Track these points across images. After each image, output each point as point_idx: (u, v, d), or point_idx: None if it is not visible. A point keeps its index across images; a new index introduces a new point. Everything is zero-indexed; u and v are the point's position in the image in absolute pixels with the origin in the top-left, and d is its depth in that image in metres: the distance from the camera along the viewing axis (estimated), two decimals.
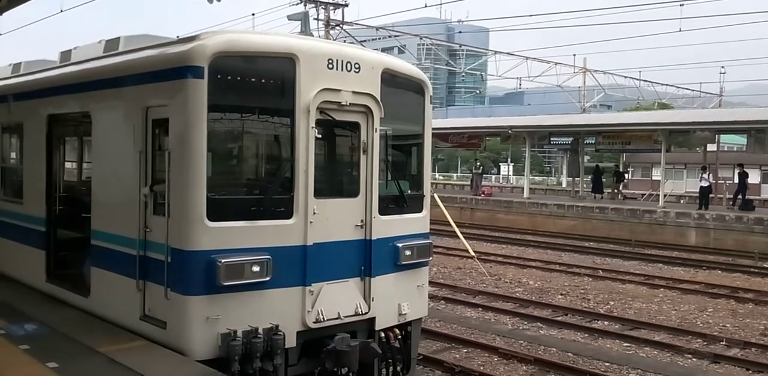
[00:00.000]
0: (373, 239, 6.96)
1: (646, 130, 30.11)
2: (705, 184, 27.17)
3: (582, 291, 16.02)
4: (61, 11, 24.03)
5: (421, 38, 37.58)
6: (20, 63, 10.23)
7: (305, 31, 23.14)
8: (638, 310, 14.23)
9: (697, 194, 29.13)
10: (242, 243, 6.07)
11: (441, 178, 68.97)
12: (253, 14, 33.68)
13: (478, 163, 41.69)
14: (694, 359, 10.75)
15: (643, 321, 13.06)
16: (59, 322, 6.94)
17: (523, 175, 37.86)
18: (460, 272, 18.30)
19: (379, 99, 6.92)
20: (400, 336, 7.45)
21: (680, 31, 35.30)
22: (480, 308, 13.93)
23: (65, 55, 8.87)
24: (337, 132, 7.17)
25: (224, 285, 5.88)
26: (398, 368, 7.48)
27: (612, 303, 14.80)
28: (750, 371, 10.24)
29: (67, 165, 9.66)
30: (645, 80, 46.65)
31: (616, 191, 35.06)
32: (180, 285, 5.99)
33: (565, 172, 53.90)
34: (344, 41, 26.40)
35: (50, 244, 8.30)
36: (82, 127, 8.55)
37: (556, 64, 41.20)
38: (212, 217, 5.94)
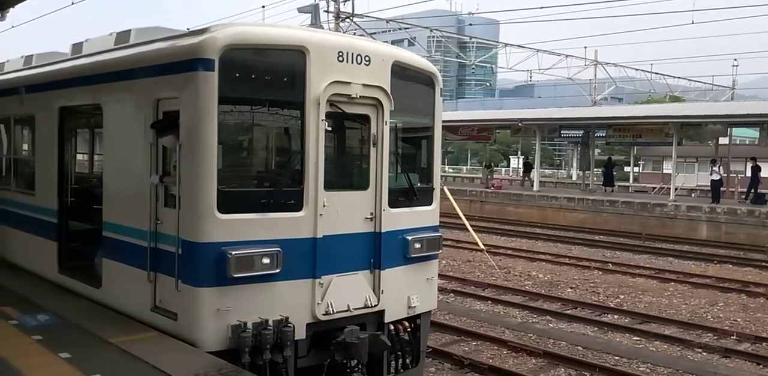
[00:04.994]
0: (382, 231, 6.96)
1: (657, 123, 29.92)
2: (716, 177, 26.99)
3: (592, 285, 15.99)
4: (72, 4, 24.13)
5: (431, 30, 37.38)
6: (32, 55, 10.27)
7: (315, 23, 23.11)
8: (648, 304, 14.19)
9: (709, 188, 28.96)
10: (252, 235, 6.09)
11: (451, 171, 68.89)
12: (263, 7, 33.54)
13: (487, 156, 41.96)
14: (705, 354, 10.73)
15: (653, 315, 13.03)
16: (71, 313, 6.99)
17: (534, 168, 37.72)
18: (469, 264, 18.30)
19: (389, 92, 6.91)
20: (410, 329, 7.45)
21: (693, 23, 35.12)
22: (489, 301, 13.94)
23: (77, 48, 8.89)
24: (347, 125, 7.16)
25: (234, 277, 5.91)
26: (407, 360, 7.50)
27: (622, 297, 14.77)
28: (761, 366, 10.20)
29: (79, 157, 9.72)
30: (657, 73, 46.30)
31: (525, 179, 39.15)
32: (191, 277, 6.02)
33: (575, 165, 53.70)
34: (354, 34, 26.32)
35: (62, 235, 8.36)
36: (93, 120, 8.59)
37: (566, 56, 40.91)
38: (223, 209, 5.97)
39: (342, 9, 29.68)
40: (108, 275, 7.30)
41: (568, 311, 13.29)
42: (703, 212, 25.27)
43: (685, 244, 23.44)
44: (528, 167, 41.37)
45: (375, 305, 6.93)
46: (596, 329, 12.11)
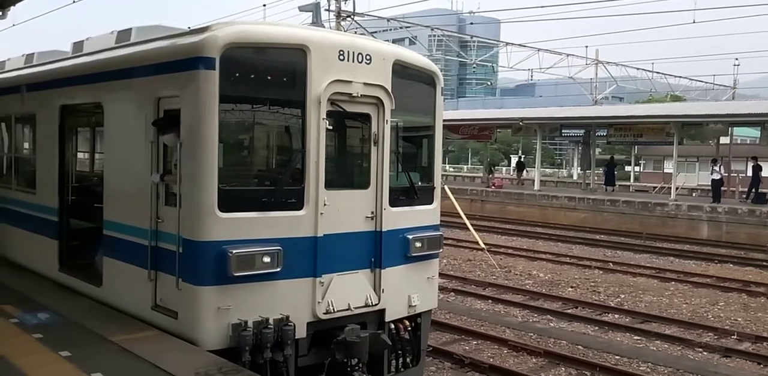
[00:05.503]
0: (383, 230, 6.96)
1: (658, 122, 29.92)
2: (717, 176, 26.97)
3: (592, 284, 15.99)
4: (73, 2, 24.09)
5: (432, 29, 37.34)
6: (33, 54, 10.27)
7: (316, 22, 23.13)
8: (649, 303, 14.19)
9: (710, 187, 28.95)
10: (253, 234, 6.09)
11: (451, 170, 68.86)
12: (264, 5, 33.50)
13: (487, 157, 42.56)
14: (705, 353, 10.72)
15: (654, 314, 13.03)
16: (72, 311, 7.00)
17: (534, 167, 37.77)
18: (470, 264, 18.30)
19: (390, 90, 6.91)
20: (410, 328, 7.45)
21: (694, 22, 35.06)
22: (490, 300, 13.94)
23: (77, 46, 8.90)
24: (348, 123, 7.16)
25: (235, 276, 5.91)
26: (408, 359, 7.50)
27: (622, 296, 14.76)
28: (761, 366, 10.20)
29: (80, 155, 9.71)
30: (658, 72, 46.25)
31: (518, 178, 40.45)
32: (191, 275, 6.02)
33: (576, 164, 53.70)
34: (355, 32, 26.29)
35: (62, 234, 8.36)
36: (94, 118, 8.59)
37: (567, 55, 40.87)
38: (223, 208, 5.97)
39: (343, 8, 29.66)
40: (109, 273, 7.30)
41: (569, 311, 13.28)
42: (704, 211, 25.25)
43: (686, 243, 23.43)
44: (521, 167, 42.48)
45: (376, 304, 6.93)
46: (597, 328, 12.10)
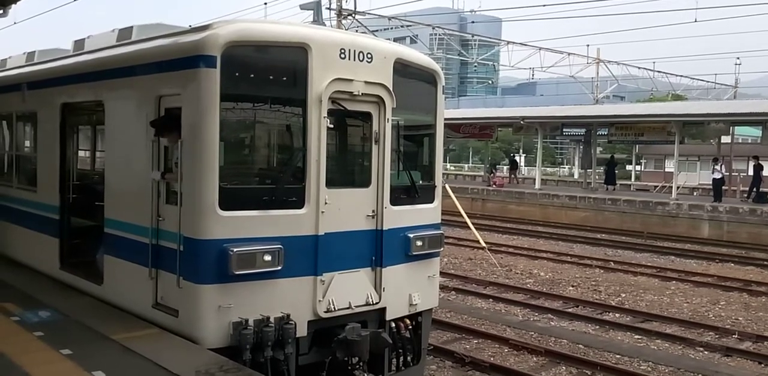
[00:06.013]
0: (384, 229, 6.96)
1: (659, 121, 29.89)
2: (717, 176, 26.92)
3: (593, 283, 15.98)
4: (74, 0, 24.08)
5: (433, 28, 37.35)
6: (34, 52, 10.27)
7: (318, 20, 23.14)
8: (650, 302, 14.18)
9: (711, 187, 28.94)
10: (254, 232, 6.09)
11: (452, 168, 68.81)
12: (266, 3, 33.41)
13: (489, 157, 42.74)
14: (706, 352, 10.72)
15: (655, 313, 13.02)
16: (73, 309, 7.00)
17: (535, 166, 37.76)
18: (471, 262, 18.30)
19: (391, 89, 6.90)
20: (411, 326, 7.45)
21: (696, 21, 35.08)
22: (491, 299, 13.93)
23: (79, 44, 8.89)
24: (349, 122, 7.15)
25: (236, 274, 5.91)
26: (408, 358, 7.50)
27: (623, 295, 14.75)
28: (762, 365, 10.19)
29: (81, 154, 9.72)
30: (659, 71, 46.26)
31: (512, 176, 40.71)
32: (192, 274, 6.02)
33: (577, 163, 53.66)
34: (356, 31, 26.27)
35: (64, 232, 8.36)
36: (95, 116, 8.60)
37: (569, 54, 40.89)
38: (224, 206, 5.96)
39: (344, 6, 29.62)
40: (109, 271, 7.30)
41: (570, 310, 13.28)
42: (705, 210, 25.23)
43: (687, 242, 23.40)
44: (514, 165, 43.14)
45: (376, 303, 6.93)
46: (598, 327, 12.10)
